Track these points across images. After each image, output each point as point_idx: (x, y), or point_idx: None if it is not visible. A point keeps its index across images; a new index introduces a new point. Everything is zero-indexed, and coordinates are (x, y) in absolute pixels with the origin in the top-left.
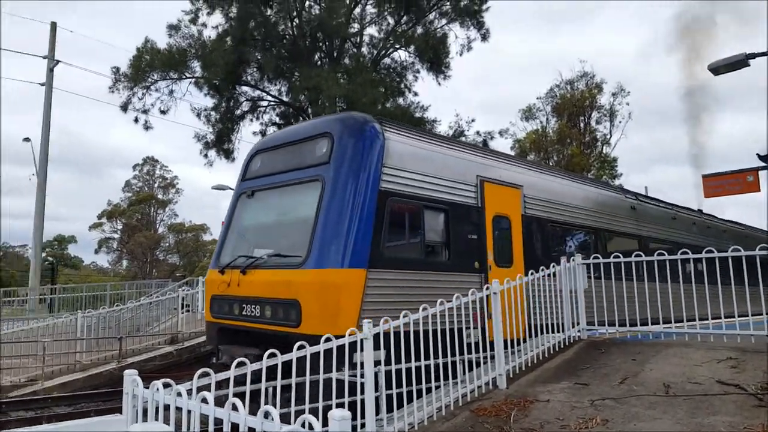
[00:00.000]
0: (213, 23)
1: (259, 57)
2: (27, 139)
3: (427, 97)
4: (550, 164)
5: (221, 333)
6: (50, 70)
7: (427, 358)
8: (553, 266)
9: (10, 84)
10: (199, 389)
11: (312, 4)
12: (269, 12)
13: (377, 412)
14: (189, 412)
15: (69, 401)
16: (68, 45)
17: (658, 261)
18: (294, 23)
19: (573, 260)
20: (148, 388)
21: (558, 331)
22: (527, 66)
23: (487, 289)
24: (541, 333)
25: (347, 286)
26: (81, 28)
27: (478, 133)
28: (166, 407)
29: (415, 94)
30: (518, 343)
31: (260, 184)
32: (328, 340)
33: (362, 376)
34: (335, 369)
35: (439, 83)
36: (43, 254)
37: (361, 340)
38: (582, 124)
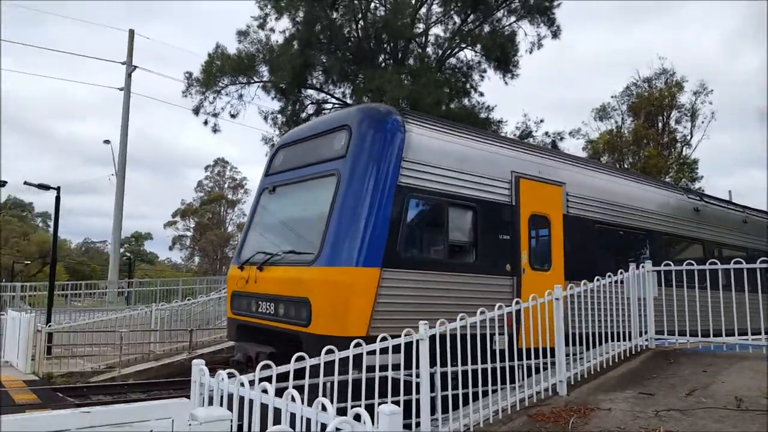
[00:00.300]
0: (280, 28)
1: (324, 60)
2: (107, 142)
3: (494, 97)
4: (625, 166)
5: (240, 330)
6: (128, 75)
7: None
8: (621, 272)
9: (92, 89)
10: (262, 380)
11: (377, 5)
12: (335, 15)
13: (432, 412)
14: (251, 401)
15: (143, 388)
16: (145, 51)
17: (734, 269)
18: (359, 25)
19: (643, 267)
20: (214, 377)
21: (621, 340)
22: (601, 64)
23: (549, 294)
24: (606, 342)
25: (359, 285)
26: (157, 34)
27: (547, 133)
28: (230, 396)
29: (481, 94)
30: (551, 354)
31: (281, 180)
32: (384, 339)
33: (418, 376)
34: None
35: (506, 83)
36: (122, 250)
37: (417, 341)
38: (660, 124)
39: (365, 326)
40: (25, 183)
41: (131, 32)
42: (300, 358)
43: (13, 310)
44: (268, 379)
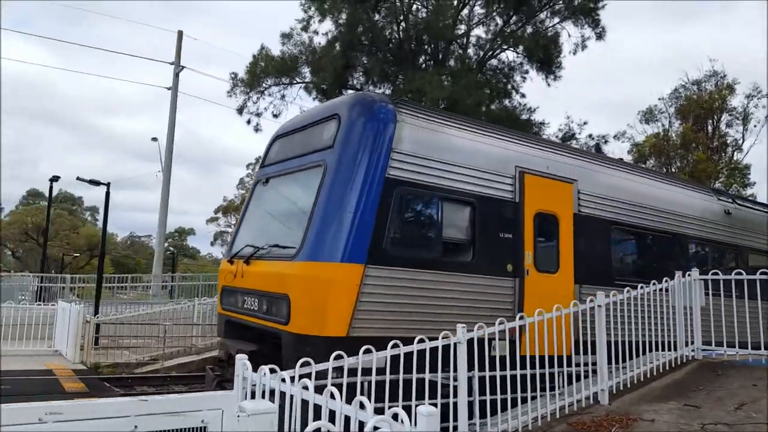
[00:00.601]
0: (323, 30)
1: (365, 61)
2: (155, 139)
3: (536, 98)
4: (673, 170)
5: (228, 326)
6: (176, 75)
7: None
8: (666, 280)
9: (141, 88)
10: (302, 377)
11: (419, 7)
12: (377, 17)
13: (469, 417)
14: (291, 396)
15: (185, 381)
16: (192, 51)
17: None
18: (400, 27)
19: (689, 275)
20: (256, 372)
21: (665, 349)
22: (648, 65)
23: (591, 301)
24: (650, 351)
25: (338, 282)
26: (204, 35)
27: (590, 136)
28: (272, 391)
29: (523, 95)
30: (568, 363)
31: (274, 171)
32: (422, 341)
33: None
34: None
35: (549, 84)
36: (165, 244)
37: (455, 344)
38: (710, 128)
39: (345, 326)
40: (78, 179)
41: (180, 33)
42: (338, 357)
43: (63, 301)
44: (310, 375)
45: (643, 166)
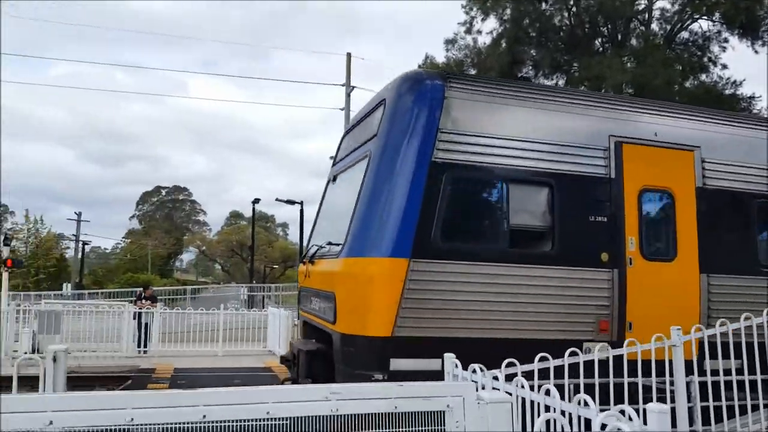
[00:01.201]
0: (487, 29)
1: (534, 54)
2: (332, 158)
3: (742, 69)
4: None
5: (304, 327)
6: (347, 96)
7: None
8: None
9: (317, 111)
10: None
11: None
12: (544, 6)
13: (690, 423)
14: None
15: None
16: (361, 69)
17: None
18: (571, 12)
19: None
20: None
21: None
22: None
23: None
24: None
25: (379, 278)
26: (371, 53)
27: None
28: (482, 388)
29: (724, 67)
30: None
31: (339, 168)
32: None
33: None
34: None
35: (756, 51)
36: None
37: (670, 347)
38: None
39: (389, 325)
40: (277, 199)
41: (348, 56)
42: (543, 359)
43: (272, 307)
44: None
45: None
